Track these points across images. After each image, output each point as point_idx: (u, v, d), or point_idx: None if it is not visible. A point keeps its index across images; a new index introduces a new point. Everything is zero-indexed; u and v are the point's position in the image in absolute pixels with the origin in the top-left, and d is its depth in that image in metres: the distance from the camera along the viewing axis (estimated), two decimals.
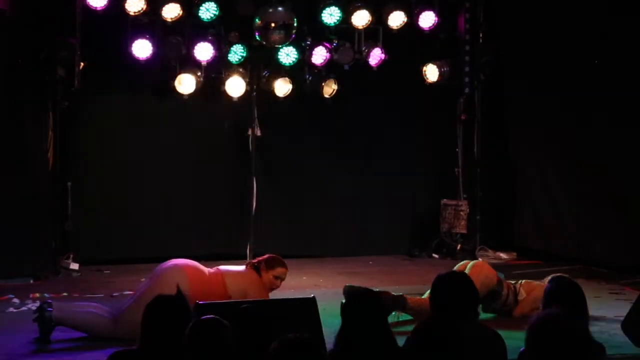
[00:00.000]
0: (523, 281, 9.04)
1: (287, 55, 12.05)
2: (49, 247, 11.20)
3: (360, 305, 5.08)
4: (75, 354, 7.54)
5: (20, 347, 7.69)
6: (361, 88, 12.60)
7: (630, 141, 11.16)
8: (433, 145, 13.28)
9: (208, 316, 4.64)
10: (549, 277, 6.24)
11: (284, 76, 12.22)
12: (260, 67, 12.30)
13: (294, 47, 12.03)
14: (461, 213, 12.80)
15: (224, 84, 12.10)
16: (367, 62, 12.33)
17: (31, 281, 10.69)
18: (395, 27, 12.28)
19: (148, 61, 11.58)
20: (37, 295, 9.75)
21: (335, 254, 12.70)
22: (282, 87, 12.25)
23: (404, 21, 12.26)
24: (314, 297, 6.64)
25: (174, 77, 11.83)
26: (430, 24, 12.38)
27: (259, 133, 12.38)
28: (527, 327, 3.99)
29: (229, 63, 11.96)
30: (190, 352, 4.43)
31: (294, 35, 11.84)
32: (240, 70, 12.08)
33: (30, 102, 11.18)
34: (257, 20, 11.73)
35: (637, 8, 10.91)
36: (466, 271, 8.41)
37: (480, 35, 12.71)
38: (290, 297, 7.94)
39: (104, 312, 7.92)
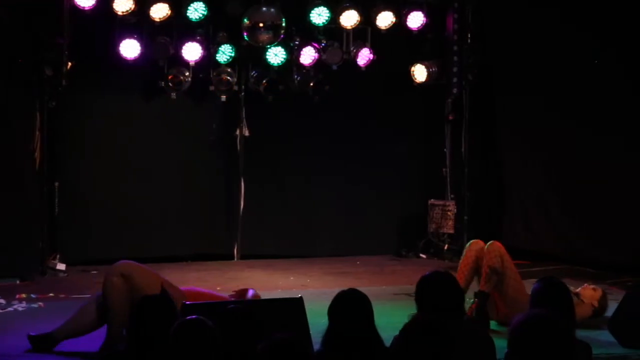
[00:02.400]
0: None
1: (276, 55, 12.05)
2: (35, 248, 11.17)
3: (347, 305, 5.08)
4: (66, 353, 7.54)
5: (9, 348, 7.66)
6: (349, 88, 12.60)
7: (616, 141, 11.19)
8: (421, 145, 13.29)
9: (192, 316, 4.63)
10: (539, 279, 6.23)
11: (272, 76, 12.22)
12: (249, 67, 12.30)
13: (282, 47, 12.04)
14: (449, 213, 12.80)
15: (212, 84, 12.09)
16: (356, 62, 12.33)
17: (18, 282, 10.65)
18: (383, 28, 12.28)
19: (136, 61, 11.57)
20: (24, 295, 9.72)
21: (323, 254, 12.69)
22: (270, 87, 12.25)
23: (392, 21, 12.27)
24: (301, 298, 6.64)
25: (162, 77, 11.82)
26: (419, 25, 12.39)
27: (247, 133, 12.39)
28: (509, 329, 3.98)
29: (217, 63, 11.96)
30: (175, 352, 4.42)
31: (282, 35, 11.85)
32: (229, 70, 12.08)
33: (18, 101, 11.14)
34: (245, 20, 11.73)
35: (623, 8, 10.94)
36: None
37: (469, 36, 12.71)
38: (277, 297, 7.93)
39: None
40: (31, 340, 7.60)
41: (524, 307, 7.43)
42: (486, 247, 8.61)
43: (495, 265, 8.48)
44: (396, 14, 12.26)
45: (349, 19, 12.11)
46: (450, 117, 13.03)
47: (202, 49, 11.73)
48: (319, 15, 12.03)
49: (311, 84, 12.30)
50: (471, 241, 8.93)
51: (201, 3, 11.53)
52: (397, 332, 5.24)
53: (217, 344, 4.48)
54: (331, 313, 5.09)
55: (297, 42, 12.16)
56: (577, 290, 8.71)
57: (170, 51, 11.71)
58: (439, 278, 5.35)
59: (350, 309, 5.08)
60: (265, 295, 8.41)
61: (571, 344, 3.95)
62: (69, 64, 11.17)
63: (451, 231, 12.80)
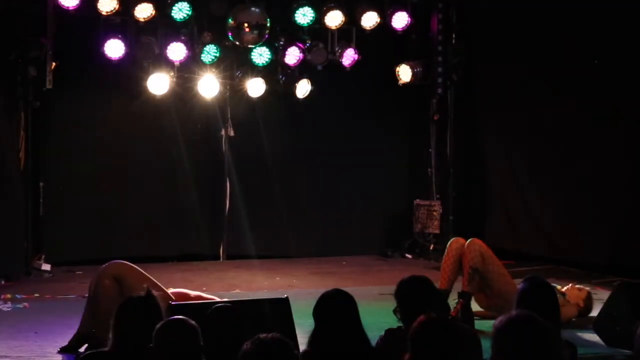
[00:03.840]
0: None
1: (260, 55, 12.05)
2: (20, 248, 11.13)
3: (331, 306, 5.08)
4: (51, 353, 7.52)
5: None
6: (334, 88, 12.61)
7: (601, 142, 11.22)
8: (406, 145, 13.31)
9: (175, 317, 4.62)
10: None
11: (257, 76, 12.21)
12: (234, 67, 12.29)
13: (267, 47, 12.03)
14: (434, 213, 12.83)
15: (197, 84, 12.08)
16: (341, 62, 12.34)
17: (2, 282, 10.62)
18: (368, 28, 12.29)
19: (120, 61, 11.54)
20: (9, 296, 9.68)
21: (309, 254, 12.70)
22: (255, 87, 12.25)
23: (377, 22, 12.28)
24: (287, 298, 6.64)
25: (146, 77, 11.80)
26: (403, 25, 12.41)
27: (232, 133, 12.38)
28: (493, 330, 3.97)
29: (202, 63, 11.94)
30: (158, 352, 4.41)
31: (267, 36, 11.84)
32: (214, 70, 12.07)
33: (2, 102, 11.09)
34: (230, 20, 11.72)
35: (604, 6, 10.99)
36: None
37: (453, 36, 12.74)
38: (263, 297, 7.92)
39: None
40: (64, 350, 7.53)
41: (513, 298, 7.47)
42: (466, 245, 8.62)
43: (477, 264, 8.50)
44: (381, 14, 12.28)
45: (334, 19, 12.12)
46: (435, 118, 13.05)
47: (187, 49, 11.71)
48: (304, 16, 12.03)
49: (296, 85, 12.31)
50: (452, 239, 8.95)
51: (185, 3, 11.51)
52: (382, 332, 5.27)
53: (199, 344, 4.47)
54: (316, 314, 5.09)
55: (281, 43, 12.16)
56: (564, 289, 8.73)
57: (155, 51, 11.69)
58: (412, 283, 5.36)
59: (335, 309, 5.08)
60: (251, 295, 8.41)
61: (556, 344, 3.95)
62: (53, 64, 11.14)
63: (437, 231, 12.82)
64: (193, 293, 7.96)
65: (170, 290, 7.75)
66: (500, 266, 8.75)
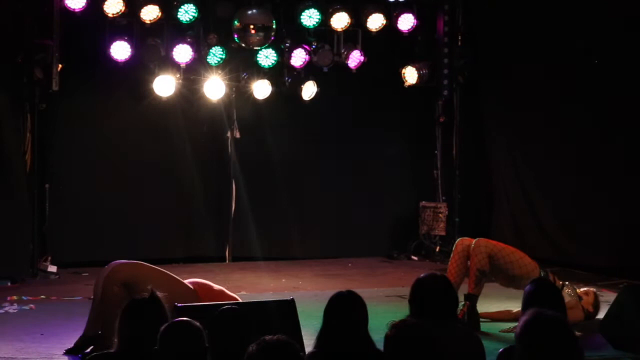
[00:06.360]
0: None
1: (266, 57, 12.05)
2: (26, 250, 11.14)
3: (344, 306, 5.07)
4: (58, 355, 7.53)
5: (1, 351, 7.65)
6: (340, 90, 12.61)
7: (605, 143, 11.21)
8: (412, 147, 13.30)
9: (180, 319, 4.62)
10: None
11: (263, 78, 12.22)
12: (239, 69, 12.29)
13: (273, 49, 12.03)
14: (440, 215, 12.82)
15: (202, 86, 12.08)
16: (347, 64, 12.34)
17: (8, 284, 10.63)
18: (374, 30, 12.29)
19: (126, 63, 11.55)
20: (15, 298, 9.69)
21: (315, 256, 12.70)
22: (261, 89, 12.25)
23: (383, 23, 12.28)
24: (293, 299, 6.64)
25: (152, 79, 11.81)
26: (409, 27, 12.41)
27: (238, 135, 12.38)
28: (521, 324, 3.98)
29: (208, 65, 11.95)
30: (162, 354, 4.41)
31: (273, 38, 11.84)
32: (219, 72, 12.07)
33: (8, 104, 11.10)
34: (236, 22, 11.72)
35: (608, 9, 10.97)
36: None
37: (459, 38, 12.74)
38: (269, 299, 7.92)
39: None
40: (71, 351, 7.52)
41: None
42: (472, 247, 8.59)
43: (483, 267, 8.48)
44: (387, 16, 12.28)
45: (340, 21, 12.12)
46: (441, 119, 13.05)
47: (193, 51, 11.71)
48: (310, 17, 12.03)
49: (302, 87, 12.32)
50: (458, 240, 8.94)
51: (192, 5, 11.53)
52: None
53: (204, 345, 4.47)
54: (327, 313, 5.07)
55: (287, 44, 12.17)
56: (581, 290, 8.71)
57: (160, 53, 11.71)
58: (435, 281, 5.34)
59: (347, 310, 5.06)
60: (257, 297, 8.41)
61: (580, 347, 4.00)
62: (60, 66, 11.15)
63: (442, 233, 12.81)
64: (216, 287, 7.89)
65: (189, 280, 7.68)
66: (511, 254, 8.68)
